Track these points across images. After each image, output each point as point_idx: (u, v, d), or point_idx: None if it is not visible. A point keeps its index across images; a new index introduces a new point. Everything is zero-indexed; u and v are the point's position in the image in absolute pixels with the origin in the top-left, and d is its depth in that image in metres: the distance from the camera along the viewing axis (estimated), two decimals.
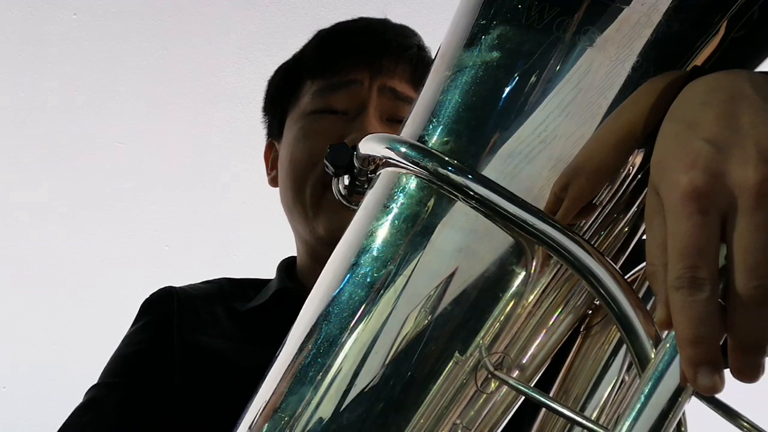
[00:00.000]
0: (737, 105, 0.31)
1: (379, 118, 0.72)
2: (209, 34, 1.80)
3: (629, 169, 0.38)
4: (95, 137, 1.77)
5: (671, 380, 0.32)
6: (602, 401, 0.42)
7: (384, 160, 0.40)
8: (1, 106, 1.73)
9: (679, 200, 0.30)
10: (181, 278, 0.89)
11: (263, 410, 0.41)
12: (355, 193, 0.44)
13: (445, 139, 0.39)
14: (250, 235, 1.77)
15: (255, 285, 0.82)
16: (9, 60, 1.72)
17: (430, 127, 0.39)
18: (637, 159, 0.38)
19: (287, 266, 0.83)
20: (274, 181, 0.83)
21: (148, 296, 0.80)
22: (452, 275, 0.38)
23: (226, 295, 0.80)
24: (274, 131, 0.83)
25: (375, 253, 0.39)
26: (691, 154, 0.30)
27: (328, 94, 0.74)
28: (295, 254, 0.84)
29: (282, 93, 0.80)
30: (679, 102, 0.34)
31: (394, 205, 0.39)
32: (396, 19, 0.81)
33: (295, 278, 0.81)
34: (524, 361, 0.39)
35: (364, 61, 0.73)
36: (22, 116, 1.74)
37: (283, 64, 0.83)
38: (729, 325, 0.30)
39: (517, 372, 0.39)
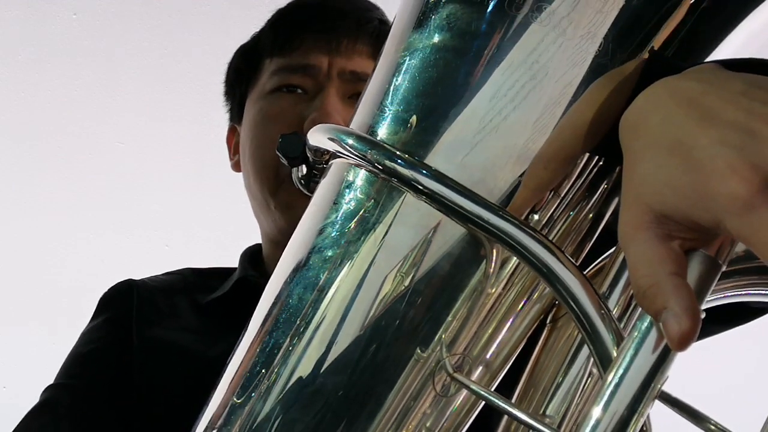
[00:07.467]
0: (696, 101, 0.27)
1: (341, 97, 0.70)
2: (209, 34, 1.79)
3: (589, 158, 0.36)
4: (95, 137, 1.77)
5: (634, 381, 0.30)
6: (570, 395, 0.40)
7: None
8: (1, 106, 1.73)
9: (744, 210, 0.24)
10: None
11: (210, 420, 0.39)
12: (313, 182, 0.42)
13: (396, 128, 0.37)
14: (250, 236, 1.76)
15: (219, 274, 0.80)
16: (9, 60, 1.72)
17: (381, 115, 0.37)
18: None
19: (251, 254, 0.81)
20: (237, 166, 0.80)
21: (106, 290, 0.77)
22: (405, 276, 0.35)
23: (189, 286, 0.78)
24: (235, 115, 0.81)
25: (324, 253, 0.37)
26: (707, 165, 0.25)
27: (286, 75, 0.72)
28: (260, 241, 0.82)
29: (240, 74, 0.78)
30: (633, 133, 0.30)
31: (343, 200, 0.37)
32: None
33: (260, 266, 0.79)
34: (488, 358, 0.38)
35: (322, 40, 0.70)
36: (22, 116, 1.74)
37: (242, 45, 0.81)
38: None
39: (481, 368, 0.37)
